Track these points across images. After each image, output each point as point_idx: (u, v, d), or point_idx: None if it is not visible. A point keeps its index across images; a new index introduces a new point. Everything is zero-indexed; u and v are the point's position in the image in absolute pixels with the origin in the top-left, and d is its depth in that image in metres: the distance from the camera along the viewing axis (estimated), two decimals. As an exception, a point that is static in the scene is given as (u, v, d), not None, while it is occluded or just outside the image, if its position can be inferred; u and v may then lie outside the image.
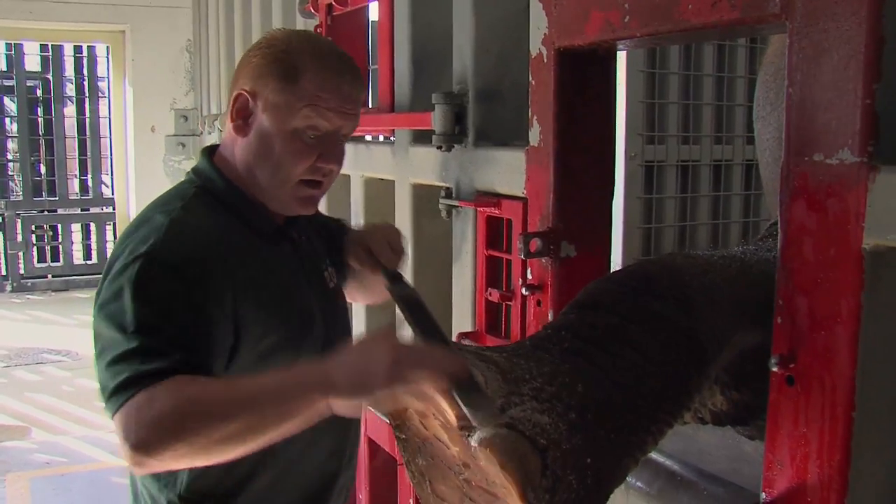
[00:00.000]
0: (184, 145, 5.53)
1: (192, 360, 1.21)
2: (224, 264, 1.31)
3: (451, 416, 1.11)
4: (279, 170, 1.39)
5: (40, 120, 8.87)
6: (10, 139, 9.14)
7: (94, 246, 8.83)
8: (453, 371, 1.09)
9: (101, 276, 1.33)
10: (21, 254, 8.35)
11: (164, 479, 1.39)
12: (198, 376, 1.19)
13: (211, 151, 1.49)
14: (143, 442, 1.11)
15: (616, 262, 2.91)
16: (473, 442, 1.09)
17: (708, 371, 1.35)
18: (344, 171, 2.80)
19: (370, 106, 2.85)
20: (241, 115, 1.41)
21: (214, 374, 1.26)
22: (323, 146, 1.40)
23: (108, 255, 1.42)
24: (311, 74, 1.36)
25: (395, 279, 1.55)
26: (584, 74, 1.63)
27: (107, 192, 9.08)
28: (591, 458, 1.15)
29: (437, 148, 2.05)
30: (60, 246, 8.65)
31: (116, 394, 1.16)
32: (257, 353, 1.35)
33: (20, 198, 8.69)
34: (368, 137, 2.93)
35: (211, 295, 1.28)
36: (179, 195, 1.41)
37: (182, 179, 1.49)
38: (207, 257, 1.30)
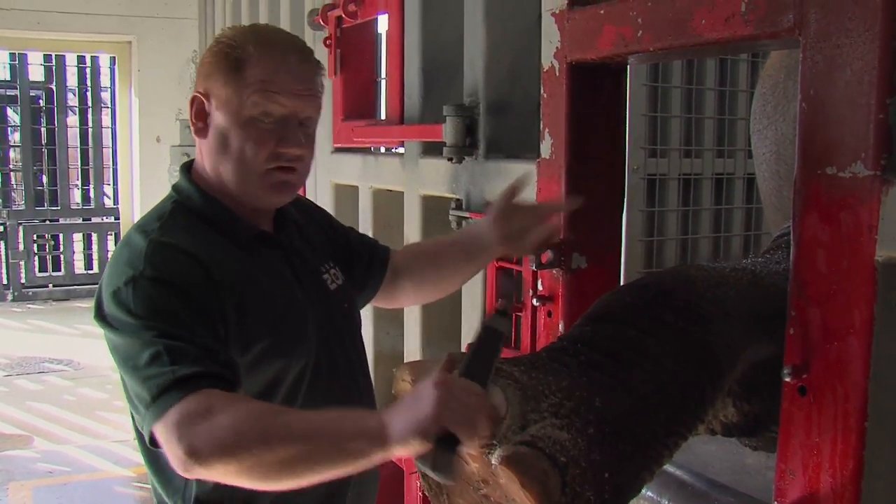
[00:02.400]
0: (189, 155, 5.53)
1: (219, 358, 1.22)
2: (205, 279, 1.31)
3: None
4: (241, 161, 1.37)
5: (43, 130, 8.89)
6: (12, 149, 9.17)
7: (95, 255, 8.85)
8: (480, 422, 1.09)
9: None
10: (22, 263, 8.37)
11: (175, 490, 1.39)
12: (254, 400, 1.20)
13: (189, 167, 1.48)
14: (197, 450, 1.11)
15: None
16: (494, 459, 1.10)
17: (722, 383, 1.36)
18: (352, 182, 2.85)
19: (381, 117, 2.88)
20: (200, 118, 1.40)
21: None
22: (282, 131, 1.37)
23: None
24: (255, 61, 1.35)
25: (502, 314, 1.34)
26: (595, 88, 1.65)
27: (108, 202, 9.11)
28: (609, 473, 1.15)
29: (448, 160, 2.07)
30: (62, 255, 8.67)
31: (160, 397, 1.16)
32: (247, 362, 1.34)
33: (22, 207, 8.72)
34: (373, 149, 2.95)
35: (201, 307, 1.28)
36: (157, 214, 1.41)
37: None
38: (189, 275, 1.29)
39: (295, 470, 1.13)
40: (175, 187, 1.46)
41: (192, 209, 1.41)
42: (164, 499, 1.42)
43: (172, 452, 1.14)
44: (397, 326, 2.55)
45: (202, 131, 1.41)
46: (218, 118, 1.38)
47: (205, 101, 1.40)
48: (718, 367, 1.33)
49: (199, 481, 1.35)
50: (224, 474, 1.14)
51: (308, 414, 1.20)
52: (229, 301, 1.32)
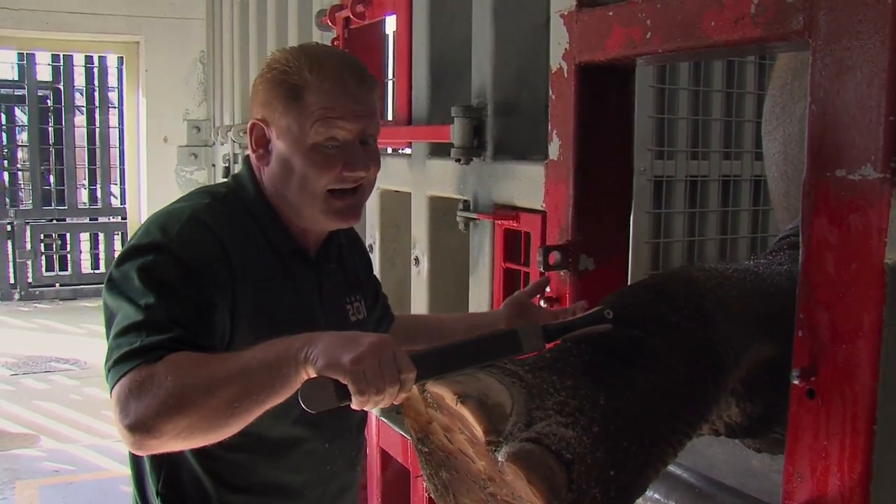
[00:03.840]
0: (196, 156, 5.57)
1: (191, 335, 1.23)
2: (229, 269, 1.33)
3: (478, 430, 1.12)
4: (305, 185, 1.38)
5: (50, 129, 8.92)
6: (20, 148, 9.20)
7: (102, 255, 8.86)
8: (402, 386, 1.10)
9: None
10: (29, 262, 8.38)
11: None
12: (192, 353, 1.21)
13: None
14: (144, 421, 1.12)
15: (626, 277, 2.92)
16: (500, 457, 1.10)
17: (725, 383, 1.36)
18: (358, 182, 2.85)
19: (389, 118, 2.88)
20: (261, 145, 1.42)
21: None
22: (347, 155, 1.38)
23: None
24: (314, 88, 1.35)
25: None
26: (603, 89, 1.65)
27: (115, 201, 9.13)
28: (615, 471, 1.15)
29: (456, 161, 2.07)
30: (69, 255, 8.69)
31: (117, 364, 1.18)
32: None
33: (29, 206, 8.74)
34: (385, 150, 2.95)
35: (213, 291, 1.30)
36: (210, 192, 1.45)
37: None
38: (214, 260, 1.32)
39: (239, 408, 1.15)
40: (235, 176, 1.49)
41: (242, 200, 1.44)
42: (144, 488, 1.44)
43: (121, 431, 1.15)
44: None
45: (263, 158, 1.43)
46: (280, 147, 1.40)
47: (265, 129, 1.41)
48: (722, 366, 1.33)
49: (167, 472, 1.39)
50: (175, 437, 1.15)
51: (239, 352, 1.20)
52: (243, 298, 1.34)
